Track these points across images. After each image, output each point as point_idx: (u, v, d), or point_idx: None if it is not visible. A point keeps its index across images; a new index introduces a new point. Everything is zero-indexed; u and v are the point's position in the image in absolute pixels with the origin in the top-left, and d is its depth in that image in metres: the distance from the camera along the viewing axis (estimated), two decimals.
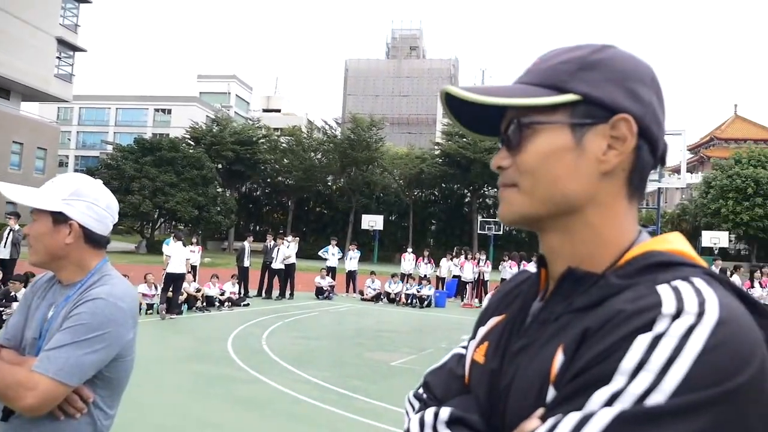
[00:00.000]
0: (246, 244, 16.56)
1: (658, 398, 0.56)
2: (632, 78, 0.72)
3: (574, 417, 0.59)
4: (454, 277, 19.37)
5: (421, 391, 0.90)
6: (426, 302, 16.82)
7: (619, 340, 0.60)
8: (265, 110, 78.85)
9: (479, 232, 36.73)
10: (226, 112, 58.74)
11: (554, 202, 0.72)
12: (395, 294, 17.44)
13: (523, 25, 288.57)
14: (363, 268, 20.20)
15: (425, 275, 18.21)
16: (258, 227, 49.22)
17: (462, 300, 18.67)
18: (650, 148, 0.73)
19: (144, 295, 11.78)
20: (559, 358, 0.66)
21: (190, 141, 43.94)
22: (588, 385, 0.60)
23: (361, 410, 5.96)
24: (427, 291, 17.11)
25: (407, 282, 17.68)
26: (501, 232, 35.85)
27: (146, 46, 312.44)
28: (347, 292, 18.84)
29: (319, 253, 20.12)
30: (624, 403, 0.57)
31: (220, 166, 42.91)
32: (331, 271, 18.43)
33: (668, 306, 0.60)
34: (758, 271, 14.91)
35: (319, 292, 17.29)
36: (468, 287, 18.72)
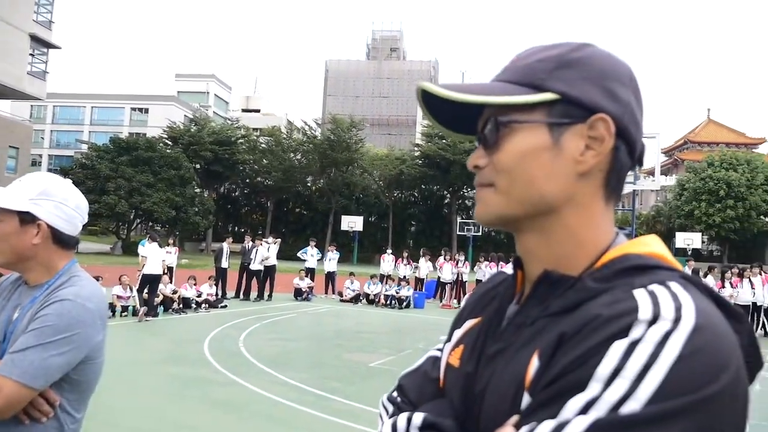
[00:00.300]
0: (225, 245, 16.44)
1: (633, 406, 0.55)
2: (610, 77, 0.71)
3: (548, 425, 0.58)
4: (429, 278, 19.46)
5: (395, 394, 0.88)
6: (405, 303, 16.85)
7: (595, 345, 0.59)
8: (244, 110, 78.37)
9: (458, 233, 36.86)
10: (204, 112, 58.19)
11: (531, 203, 0.71)
12: (374, 295, 17.43)
13: (504, 28, 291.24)
14: (342, 269, 20.15)
15: (404, 276, 18.23)
16: (237, 228, 48.87)
17: (441, 301, 18.74)
18: (628, 148, 0.72)
19: (119, 296, 11.62)
20: (534, 364, 0.65)
21: (167, 141, 43.51)
22: (563, 392, 0.59)
23: (339, 411, 5.94)
24: (406, 292, 17.13)
25: (386, 283, 17.67)
26: (480, 233, 36.04)
27: (123, 44, 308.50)
28: (326, 293, 18.77)
29: (298, 254, 20.02)
30: (599, 411, 0.56)
31: (198, 166, 42.54)
32: (310, 273, 18.36)
33: (645, 311, 0.59)
34: (729, 272, 15.25)
35: (298, 294, 17.20)
36: (447, 288, 18.81)
